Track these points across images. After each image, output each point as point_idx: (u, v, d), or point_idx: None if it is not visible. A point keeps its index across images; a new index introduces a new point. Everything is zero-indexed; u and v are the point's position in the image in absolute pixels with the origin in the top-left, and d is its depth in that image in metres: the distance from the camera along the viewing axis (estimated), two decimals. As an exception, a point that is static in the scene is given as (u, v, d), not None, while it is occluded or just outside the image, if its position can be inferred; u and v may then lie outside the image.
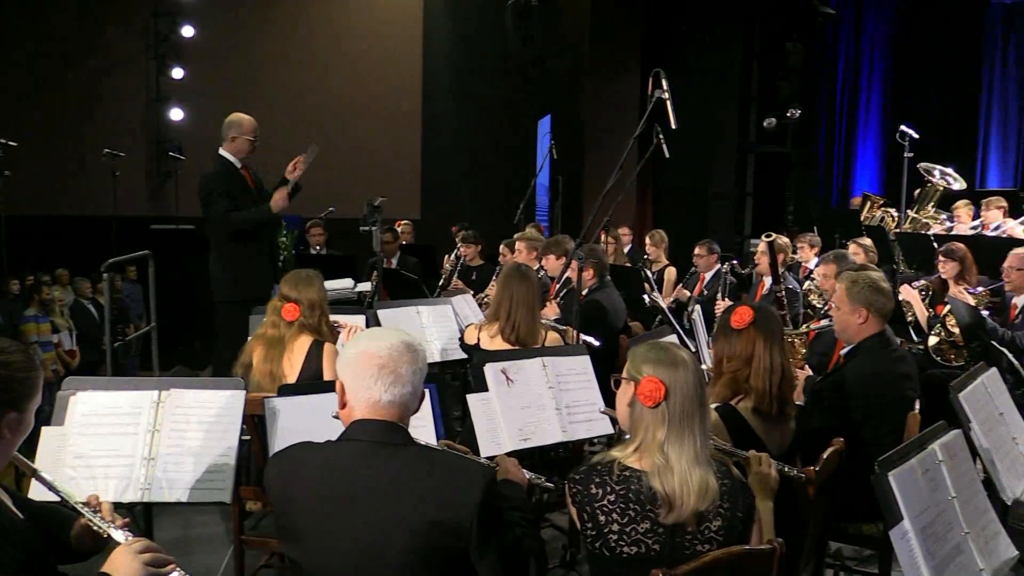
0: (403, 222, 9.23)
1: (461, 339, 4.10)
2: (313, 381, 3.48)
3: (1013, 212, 7.71)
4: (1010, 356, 3.90)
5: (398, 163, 12.41)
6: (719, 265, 6.78)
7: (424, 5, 12.69)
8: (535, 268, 6.10)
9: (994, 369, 3.17)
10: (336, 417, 2.13)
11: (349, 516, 1.95)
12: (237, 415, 2.86)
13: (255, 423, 3.15)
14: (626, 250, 8.47)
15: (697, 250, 6.94)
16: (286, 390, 3.08)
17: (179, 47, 11.90)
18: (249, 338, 3.92)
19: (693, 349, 4.58)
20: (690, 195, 10.97)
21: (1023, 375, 3.75)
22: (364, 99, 12.20)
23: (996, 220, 7.55)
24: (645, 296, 5.55)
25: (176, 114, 11.85)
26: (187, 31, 11.84)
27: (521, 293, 3.77)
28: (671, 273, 7.33)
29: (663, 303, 5.27)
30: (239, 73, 11.69)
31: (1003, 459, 2.77)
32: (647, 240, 7.73)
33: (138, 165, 11.58)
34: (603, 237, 7.29)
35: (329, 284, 5.64)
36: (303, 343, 3.67)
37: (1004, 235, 7.11)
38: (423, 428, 2.86)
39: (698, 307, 4.62)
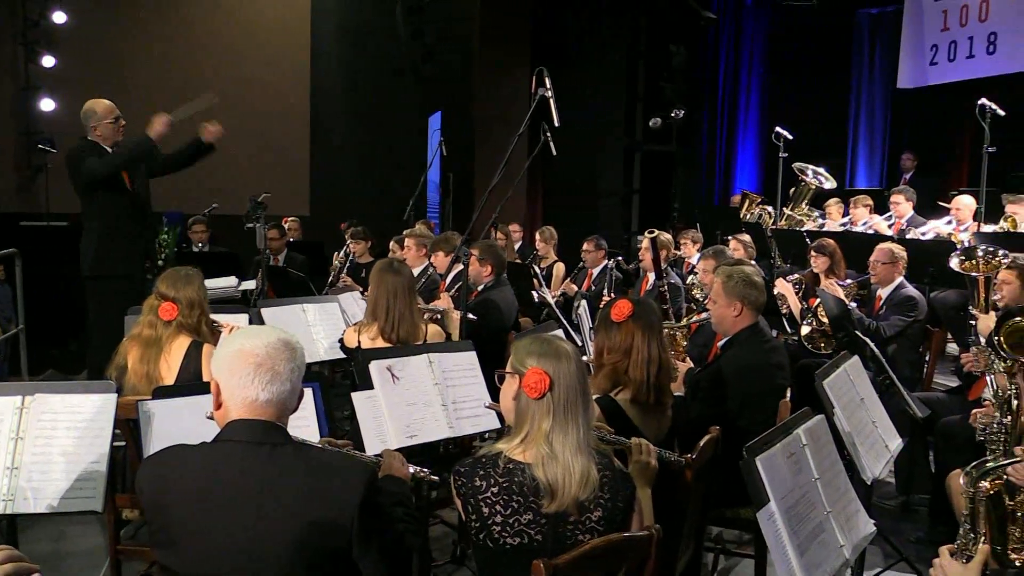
0: (290, 219, 9.05)
1: (341, 342, 4.03)
2: (192, 382, 3.37)
3: (879, 209, 8.18)
4: (872, 345, 4.13)
5: (286, 159, 12.12)
6: (606, 261, 6.94)
7: (312, -3, 12.46)
8: (424, 265, 6.09)
9: (856, 357, 3.36)
10: (211, 418, 2.08)
11: (226, 519, 1.90)
12: (109, 420, 2.73)
13: (130, 428, 3.03)
14: (516, 246, 8.57)
15: (585, 246, 7.07)
16: (162, 392, 2.96)
17: (49, 34, 11.22)
18: (124, 339, 3.75)
19: (579, 343, 4.67)
20: (579, 192, 11.16)
21: (884, 363, 3.99)
22: (249, 92, 11.83)
23: (864, 217, 8.00)
24: (534, 292, 5.61)
25: (47, 104, 11.19)
26: (58, 17, 11.13)
27: (396, 288, 3.75)
28: (560, 269, 7.45)
29: (550, 298, 5.35)
30: (115, 62, 11.15)
31: (863, 442, 2.95)
32: (537, 236, 7.84)
33: (5, 158, 10.94)
34: (494, 233, 7.34)
35: (211, 283, 5.50)
36: (181, 343, 3.54)
37: (871, 231, 7.54)
38: (306, 427, 2.82)
39: (584, 302, 4.71)
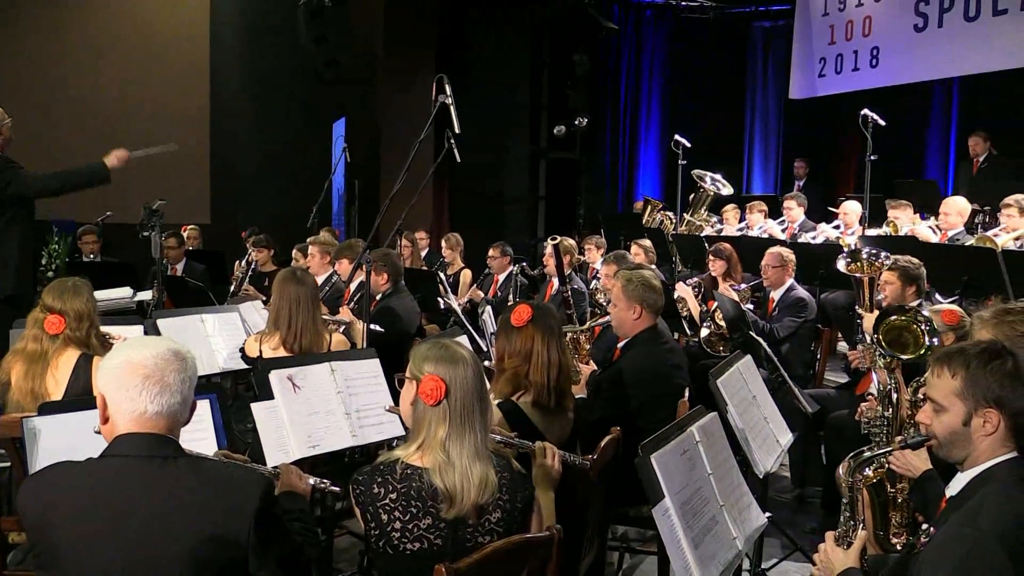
0: (190, 227, 8.81)
1: (242, 351, 3.94)
2: (81, 397, 3.24)
3: (773, 215, 8.49)
4: (764, 345, 4.29)
5: (185, 166, 11.72)
6: (512, 267, 7.00)
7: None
8: (329, 273, 6.02)
9: (749, 357, 3.49)
10: (98, 433, 2.00)
11: (115, 537, 1.84)
12: (-11, 439, 2.61)
13: (15, 447, 2.89)
14: (423, 254, 8.54)
15: (491, 252, 7.11)
16: (48, 408, 2.84)
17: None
18: (7, 355, 3.58)
19: (485, 348, 4.70)
20: (486, 199, 11.21)
21: (776, 362, 4.15)
22: (144, 96, 11.45)
23: (759, 222, 8.29)
24: (440, 299, 5.62)
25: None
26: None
27: (299, 298, 3.70)
28: (466, 275, 7.47)
29: (456, 305, 5.36)
30: (2, 67, 10.64)
31: (755, 438, 3.06)
32: (443, 243, 7.83)
33: None
34: (400, 241, 7.31)
35: (104, 293, 5.32)
36: (69, 357, 3.40)
37: (765, 235, 7.83)
38: (203, 441, 2.75)
39: (489, 308, 4.75)
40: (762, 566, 3.75)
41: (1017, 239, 5.51)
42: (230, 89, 12.05)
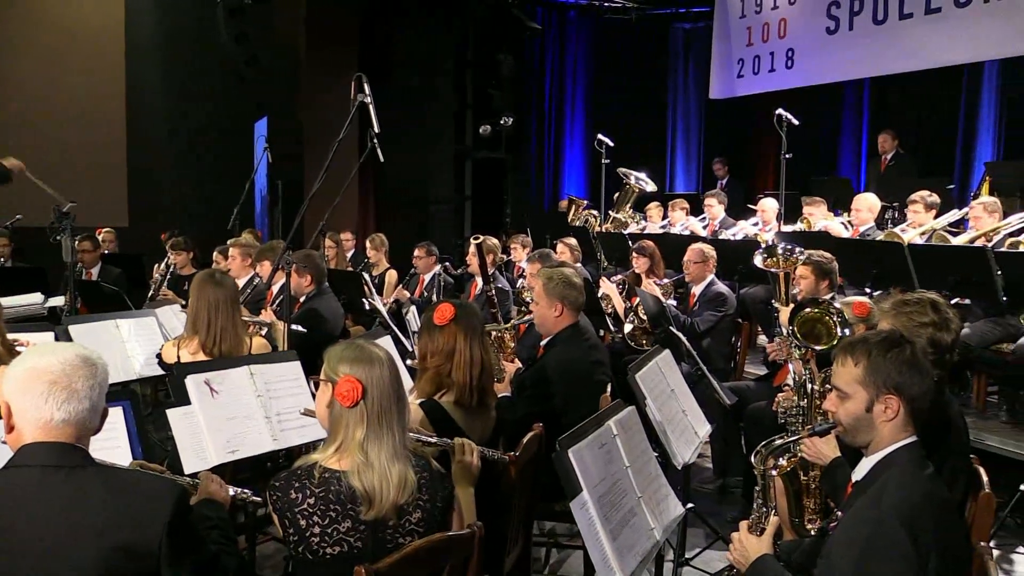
0: (105, 229, 8.54)
1: (159, 357, 3.84)
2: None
3: (695, 212, 8.67)
4: (684, 340, 4.38)
5: (101, 167, 11.37)
6: (438, 267, 6.99)
7: (126, -7, 11.77)
8: (250, 275, 5.91)
9: (667, 351, 3.56)
10: (3, 443, 1.94)
11: (21, 550, 1.78)
12: None
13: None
14: (349, 255, 8.46)
15: (417, 252, 7.09)
16: (-53, 420, 2.72)
17: None
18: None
19: (411, 348, 4.68)
20: (411, 199, 11.16)
21: (695, 356, 4.24)
22: (57, 96, 11.03)
23: (681, 220, 8.45)
24: (364, 300, 5.57)
25: None
26: None
27: (218, 300, 3.62)
28: (392, 276, 7.43)
29: (380, 306, 5.32)
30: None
31: (674, 430, 3.13)
32: (368, 244, 7.77)
33: None
34: (324, 242, 7.23)
35: (12, 300, 5.15)
36: (-27, 366, 3.27)
37: (687, 232, 7.99)
38: (117, 449, 2.68)
39: (413, 308, 4.74)
40: (686, 555, 3.84)
41: (923, 234, 5.75)
42: (147, 88, 11.71)
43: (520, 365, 4.21)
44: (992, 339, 4.94)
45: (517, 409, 3.46)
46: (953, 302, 4.37)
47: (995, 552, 3.54)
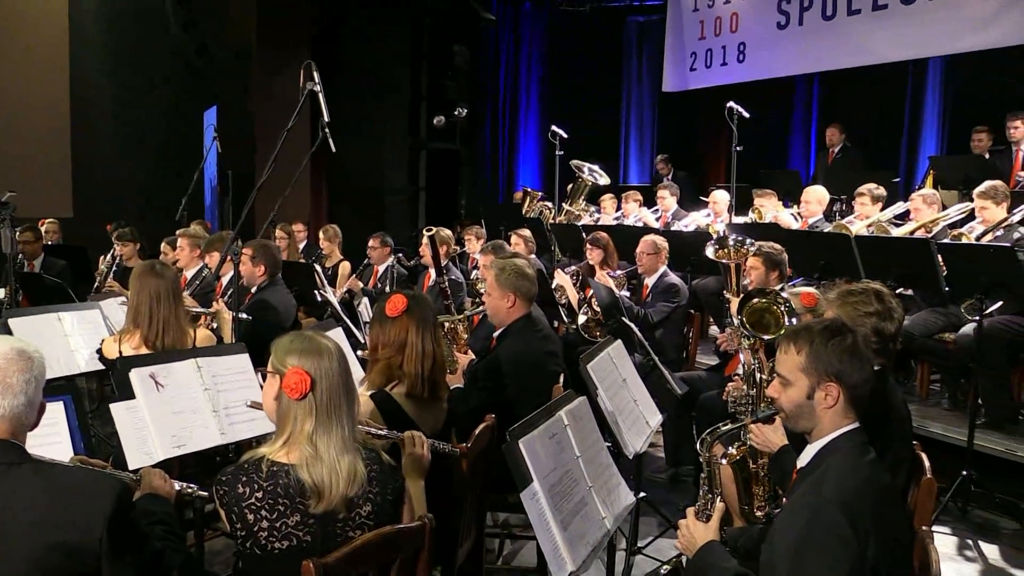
0: (48, 220, 8.32)
1: (100, 352, 3.75)
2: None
3: (648, 203, 8.73)
4: (636, 331, 4.40)
5: (43, 156, 11.06)
6: (392, 258, 6.95)
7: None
8: (199, 266, 5.81)
9: (619, 342, 3.58)
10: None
11: (-47, 551, 1.73)
12: None
13: None
14: (301, 246, 8.36)
15: (371, 243, 7.03)
16: None
17: None
18: None
19: (363, 340, 4.64)
20: (365, 190, 11.07)
21: (648, 347, 4.27)
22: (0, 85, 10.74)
23: (634, 211, 8.51)
24: (316, 292, 5.51)
25: None
26: None
27: (159, 292, 3.54)
28: (345, 268, 7.36)
29: (332, 298, 5.27)
30: None
31: (625, 420, 3.15)
32: (320, 235, 7.69)
33: None
34: (274, 233, 7.13)
35: (-51, 293, 4.96)
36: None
37: (640, 224, 8.04)
38: (57, 445, 2.61)
39: (365, 299, 4.69)
40: (638, 544, 3.88)
41: (869, 226, 5.86)
42: (92, 76, 11.42)
43: (473, 356, 4.21)
44: (935, 328, 5.07)
45: (470, 400, 3.45)
46: (897, 292, 4.46)
47: (936, 536, 3.64)
